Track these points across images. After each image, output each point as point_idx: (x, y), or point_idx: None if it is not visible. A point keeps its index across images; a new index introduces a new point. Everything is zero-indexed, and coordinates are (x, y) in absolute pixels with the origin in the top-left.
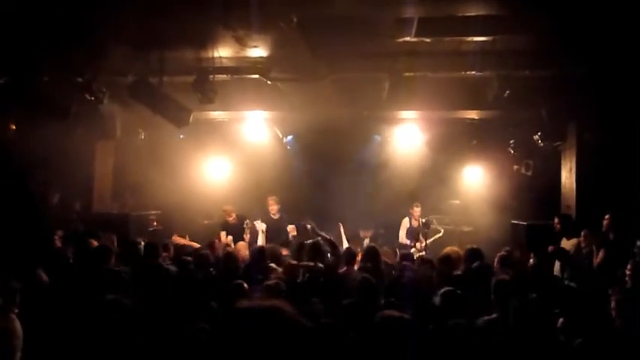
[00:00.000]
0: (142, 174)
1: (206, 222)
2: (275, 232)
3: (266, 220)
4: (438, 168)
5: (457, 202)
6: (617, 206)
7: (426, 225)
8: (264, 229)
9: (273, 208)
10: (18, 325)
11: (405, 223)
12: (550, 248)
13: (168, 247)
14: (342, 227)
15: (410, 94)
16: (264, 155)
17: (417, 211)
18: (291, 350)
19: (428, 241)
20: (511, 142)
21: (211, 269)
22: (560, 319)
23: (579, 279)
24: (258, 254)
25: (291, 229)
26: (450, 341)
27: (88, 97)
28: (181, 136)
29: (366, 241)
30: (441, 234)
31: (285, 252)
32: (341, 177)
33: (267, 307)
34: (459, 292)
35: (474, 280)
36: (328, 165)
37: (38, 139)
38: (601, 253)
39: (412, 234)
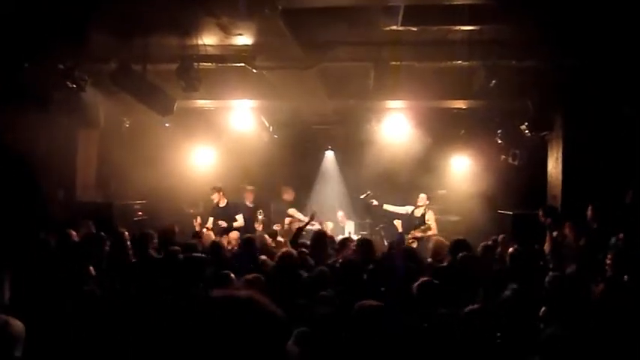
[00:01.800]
0: (126, 163)
1: (192, 211)
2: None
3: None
4: (426, 158)
5: (444, 191)
6: (603, 197)
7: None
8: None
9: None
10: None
11: (408, 210)
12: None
13: (152, 236)
14: (342, 215)
15: (396, 84)
16: (251, 144)
17: (419, 198)
18: (262, 340)
19: (419, 235)
20: (498, 131)
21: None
22: (543, 308)
23: (562, 268)
24: (247, 244)
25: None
26: (430, 331)
27: (70, 85)
28: (167, 125)
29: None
30: (432, 231)
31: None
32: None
33: (241, 297)
34: (435, 282)
35: (460, 270)
36: (314, 155)
37: (19, 128)
38: (582, 242)
39: (407, 223)
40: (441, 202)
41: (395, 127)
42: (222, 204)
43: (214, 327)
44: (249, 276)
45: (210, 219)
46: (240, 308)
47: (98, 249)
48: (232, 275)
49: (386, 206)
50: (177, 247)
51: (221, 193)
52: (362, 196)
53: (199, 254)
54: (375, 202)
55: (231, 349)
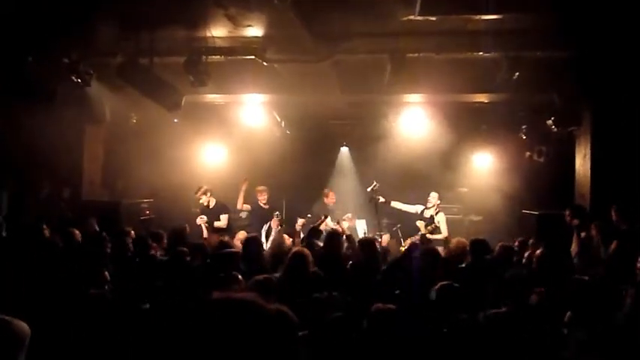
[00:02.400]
0: (133, 160)
1: (199, 210)
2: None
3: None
4: (445, 154)
5: (465, 190)
6: (634, 196)
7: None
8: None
9: (332, 200)
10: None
11: (418, 210)
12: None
13: (161, 236)
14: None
15: (414, 77)
16: (263, 141)
17: (429, 197)
18: (261, 344)
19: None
20: (523, 127)
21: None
22: (568, 313)
23: (589, 271)
24: (253, 244)
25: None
26: (449, 336)
27: (75, 79)
28: (175, 120)
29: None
30: (442, 235)
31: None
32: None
33: (238, 300)
34: (456, 285)
35: (480, 272)
36: (329, 151)
37: (23, 124)
38: (613, 245)
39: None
40: (462, 200)
41: (412, 123)
42: (211, 205)
43: (213, 330)
44: (260, 277)
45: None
46: (239, 311)
47: (99, 249)
48: (240, 277)
49: (394, 203)
50: (185, 249)
51: (208, 194)
52: (368, 189)
53: (231, 249)
54: (382, 199)
55: (230, 353)
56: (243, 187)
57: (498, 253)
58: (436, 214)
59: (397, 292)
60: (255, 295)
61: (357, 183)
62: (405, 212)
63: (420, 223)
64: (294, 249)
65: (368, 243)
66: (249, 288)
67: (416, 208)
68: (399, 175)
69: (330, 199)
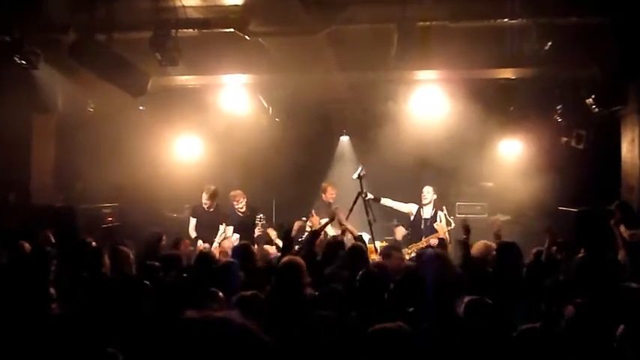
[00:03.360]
0: (92, 156)
1: (175, 215)
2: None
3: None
4: (466, 142)
5: (490, 184)
6: None
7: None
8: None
9: (332, 195)
10: None
11: (412, 210)
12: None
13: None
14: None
15: (425, 50)
16: (246, 130)
17: (424, 194)
18: None
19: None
20: (558, 107)
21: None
22: (621, 326)
23: None
24: (242, 252)
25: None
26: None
27: (19, 61)
28: (141, 108)
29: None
30: (452, 226)
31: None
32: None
33: (216, 320)
34: (488, 301)
35: (511, 282)
36: (325, 141)
37: None
38: None
39: (415, 227)
40: (487, 197)
41: (425, 105)
42: (212, 208)
43: (186, 354)
44: (247, 293)
45: (192, 222)
46: (214, 332)
47: (43, 265)
48: (220, 294)
49: (384, 200)
50: (156, 263)
51: (215, 199)
52: (354, 175)
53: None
54: (371, 196)
55: None
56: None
57: (533, 260)
58: (435, 213)
59: (411, 309)
60: (236, 313)
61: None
62: (395, 210)
63: (400, 230)
64: (286, 258)
65: (356, 252)
66: (232, 306)
67: (409, 207)
68: (410, 167)
69: (329, 195)
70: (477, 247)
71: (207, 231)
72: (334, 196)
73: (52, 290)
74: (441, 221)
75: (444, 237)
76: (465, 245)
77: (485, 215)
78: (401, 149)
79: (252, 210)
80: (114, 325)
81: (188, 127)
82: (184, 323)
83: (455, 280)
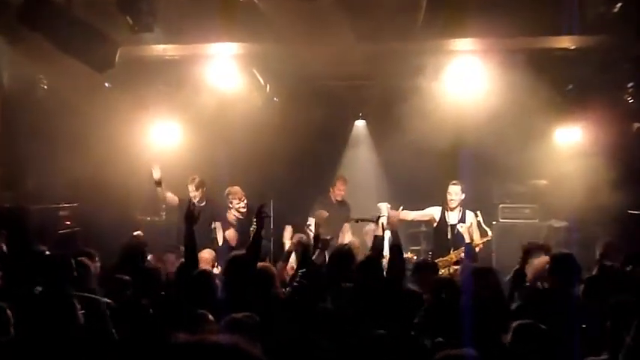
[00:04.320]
0: (46, 145)
1: (149, 219)
2: None
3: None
4: (513, 128)
5: (543, 182)
6: None
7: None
8: None
9: (340, 191)
10: None
11: (434, 214)
12: None
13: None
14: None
15: (461, 14)
16: (238, 113)
17: (452, 194)
18: None
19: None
20: (629, 85)
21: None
22: None
23: None
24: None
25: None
26: None
27: None
28: (107, 85)
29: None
30: (489, 237)
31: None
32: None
33: (211, 345)
34: (542, 327)
35: (569, 303)
36: (336, 127)
37: None
38: None
39: (439, 236)
40: (539, 197)
41: (460, 82)
42: (203, 202)
43: None
44: (239, 315)
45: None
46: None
47: None
48: (210, 316)
49: (405, 214)
50: (125, 278)
51: (204, 190)
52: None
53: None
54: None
55: None
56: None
57: (597, 275)
58: (463, 216)
59: (439, 340)
60: (237, 338)
61: (379, 170)
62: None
63: (464, 227)
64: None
65: (340, 256)
66: (222, 329)
67: (430, 212)
68: (441, 159)
69: (338, 191)
70: (538, 263)
71: (200, 231)
72: (343, 193)
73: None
74: (471, 226)
75: (476, 246)
76: (519, 276)
77: (536, 220)
78: (430, 137)
79: (251, 212)
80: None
81: (166, 110)
82: (177, 348)
83: (501, 301)
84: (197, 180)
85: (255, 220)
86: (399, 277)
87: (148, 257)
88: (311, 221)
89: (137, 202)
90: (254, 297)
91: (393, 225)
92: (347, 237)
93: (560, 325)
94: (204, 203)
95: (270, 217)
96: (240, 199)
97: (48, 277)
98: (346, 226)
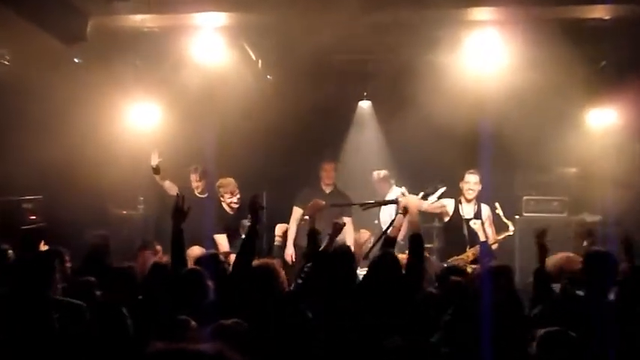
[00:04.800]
0: (7, 129)
1: (125, 212)
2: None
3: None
4: (540, 110)
5: (573, 170)
6: None
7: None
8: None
9: (330, 178)
10: None
11: (447, 206)
12: None
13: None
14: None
15: None
16: (225, 92)
17: (470, 184)
18: None
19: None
20: None
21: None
22: None
23: None
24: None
25: None
26: None
27: None
28: (77, 61)
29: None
30: (510, 232)
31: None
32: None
33: (192, 354)
34: (571, 334)
35: (603, 308)
36: (339, 107)
37: None
38: None
39: (452, 232)
40: (567, 188)
41: (480, 57)
42: (203, 195)
43: None
44: (227, 322)
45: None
46: None
47: None
48: (193, 323)
49: (429, 201)
50: (91, 279)
51: (204, 182)
52: (433, 195)
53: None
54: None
55: None
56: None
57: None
58: (478, 210)
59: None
60: (222, 346)
61: (386, 157)
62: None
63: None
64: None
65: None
66: (208, 337)
67: (441, 205)
68: (457, 144)
69: (327, 177)
70: (556, 259)
71: (196, 226)
72: (333, 178)
73: None
74: (486, 222)
75: (492, 241)
76: (541, 276)
77: (565, 214)
78: (444, 120)
79: (244, 208)
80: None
81: (144, 89)
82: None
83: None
84: (200, 169)
85: (249, 214)
86: (418, 277)
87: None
88: (296, 213)
89: (111, 194)
90: (252, 299)
91: (413, 213)
92: (349, 237)
93: (593, 333)
94: (205, 195)
95: (264, 208)
96: (232, 193)
97: (17, 280)
98: (347, 221)
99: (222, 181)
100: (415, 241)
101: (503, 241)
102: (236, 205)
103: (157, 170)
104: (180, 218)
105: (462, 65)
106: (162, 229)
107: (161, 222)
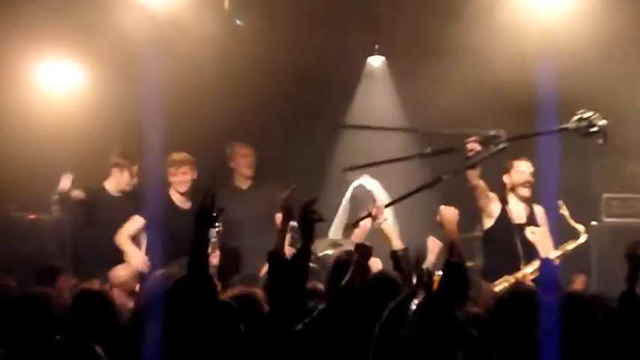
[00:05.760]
0: None
1: (32, 217)
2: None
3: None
4: (626, 69)
5: None
6: None
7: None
8: None
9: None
10: None
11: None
12: None
13: None
14: None
15: None
16: (181, 45)
17: (526, 174)
18: None
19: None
20: None
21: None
22: None
23: None
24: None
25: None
26: None
27: None
28: None
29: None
30: (581, 241)
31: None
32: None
33: None
34: None
35: None
36: (338, 64)
37: None
38: None
39: (499, 241)
40: None
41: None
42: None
43: None
44: None
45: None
46: None
47: None
48: (101, 352)
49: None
50: None
51: (136, 169)
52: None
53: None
54: None
55: None
56: None
57: None
58: (532, 213)
59: None
60: None
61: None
62: None
63: (533, 232)
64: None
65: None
66: None
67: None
68: (504, 115)
69: (242, 166)
70: None
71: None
72: (250, 165)
73: None
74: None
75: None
76: (632, 301)
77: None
78: (488, 77)
79: (193, 198)
80: None
81: (63, 41)
82: None
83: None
84: (127, 152)
85: (298, 225)
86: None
87: None
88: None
89: (12, 191)
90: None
91: (451, 230)
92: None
93: None
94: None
95: (323, 220)
96: (184, 173)
97: None
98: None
99: (172, 157)
100: (454, 278)
101: (570, 254)
102: (184, 189)
103: (65, 197)
104: (207, 224)
105: (508, 10)
106: (84, 238)
107: (81, 229)
